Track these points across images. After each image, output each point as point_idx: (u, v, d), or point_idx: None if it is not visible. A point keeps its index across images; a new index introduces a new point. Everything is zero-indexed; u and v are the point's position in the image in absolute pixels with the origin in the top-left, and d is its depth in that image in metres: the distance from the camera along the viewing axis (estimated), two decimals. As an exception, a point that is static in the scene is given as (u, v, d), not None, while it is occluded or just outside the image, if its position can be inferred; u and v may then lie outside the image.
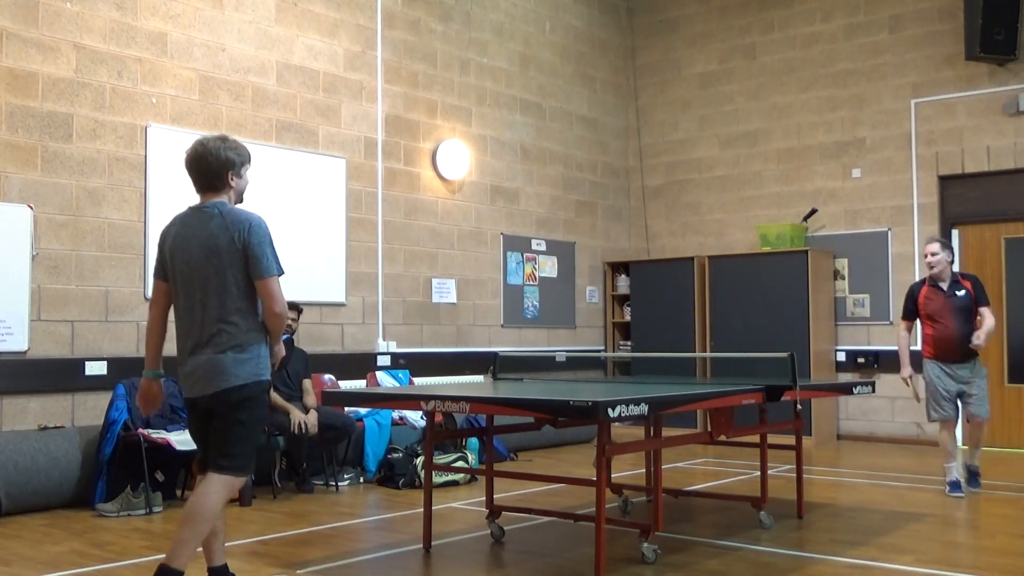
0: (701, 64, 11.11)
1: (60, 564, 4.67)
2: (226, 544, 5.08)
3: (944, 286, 6.63)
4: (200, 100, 7.30)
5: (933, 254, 6.62)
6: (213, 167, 3.87)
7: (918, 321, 6.82)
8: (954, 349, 6.56)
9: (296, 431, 6.61)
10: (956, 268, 6.82)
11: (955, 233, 9.48)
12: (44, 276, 6.42)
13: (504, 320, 9.81)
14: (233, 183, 3.93)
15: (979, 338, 6.41)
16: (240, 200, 4.02)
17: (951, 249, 6.73)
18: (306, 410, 6.80)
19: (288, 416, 6.66)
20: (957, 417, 6.64)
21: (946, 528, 5.64)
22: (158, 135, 7.03)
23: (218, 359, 3.76)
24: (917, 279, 9.44)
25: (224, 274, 3.77)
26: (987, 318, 6.56)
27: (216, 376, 3.76)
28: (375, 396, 5.59)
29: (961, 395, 6.58)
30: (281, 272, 3.83)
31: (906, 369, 6.76)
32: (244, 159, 3.96)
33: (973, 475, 6.74)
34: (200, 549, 3.80)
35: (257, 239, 3.78)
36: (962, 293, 6.57)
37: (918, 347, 6.91)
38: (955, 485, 6.58)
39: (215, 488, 3.70)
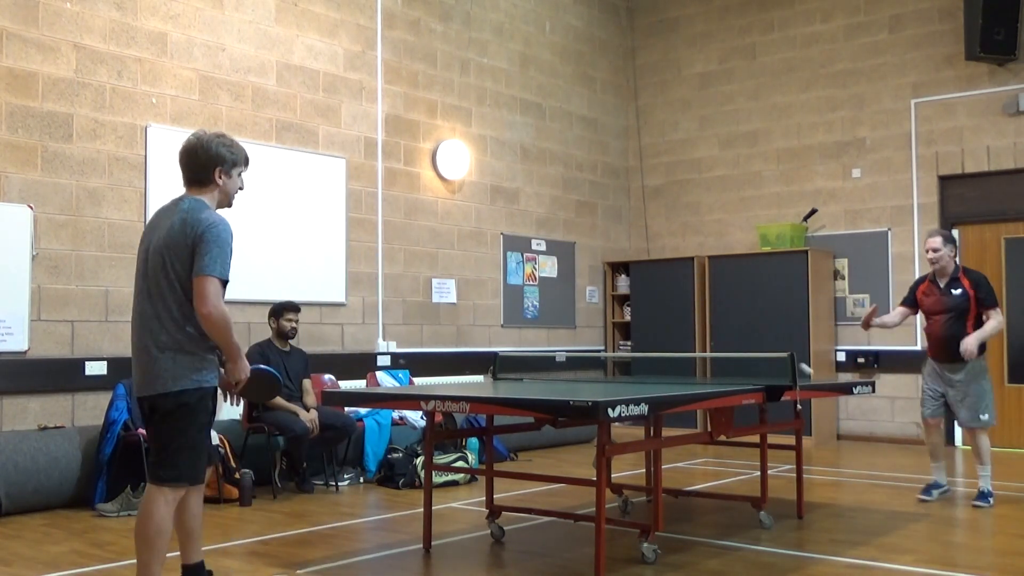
0: (701, 64, 11.11)
1: (60, 564, 4.67)
2: (226, 544, 5.10)
3: (942, 283, 6.34)
4: (200, 100, 7.30)
5: (935, 250, 6.26)
6: (201, 160, 3.72)
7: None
8: (941, 349, 6.33)
9: (311, 428, 6.65)
10: (960, 263, 6.44)
11: (955, 233, 9.46)
12: (44, 276, 6.42)
13: (504, 320, 9.81)
14: (220, 181, 3.75)
15: (965, 344, 6.10)
16: (228, 203, 3.85)
17: (954, 243, 6.37)
18: (307, 410, 6.82)
19: (296, 415, 6.69)
20: (941, 416, 6.48)
21: (946, 528, 5.64)
22: (158, 135, 7.03)
23: (157, 359, 3.59)
24: (917, 278, 9.48)
25: (170, 271, 3.57)
26: (989, 321, 6.19)
27: (154, 378, 3.59)
28: (375, 396, 5.59)
29: (947, 397, 6.38)
30: (221, 276, 3.54)
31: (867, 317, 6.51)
32: (237, 159, 3.80)
33: (979, 493, 6.25)
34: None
35: (208, 237, 3.54)
36: (958, 292, 6.25)
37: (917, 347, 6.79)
38: (927, 487, 6.46)
39: (155, 502, 3.55)
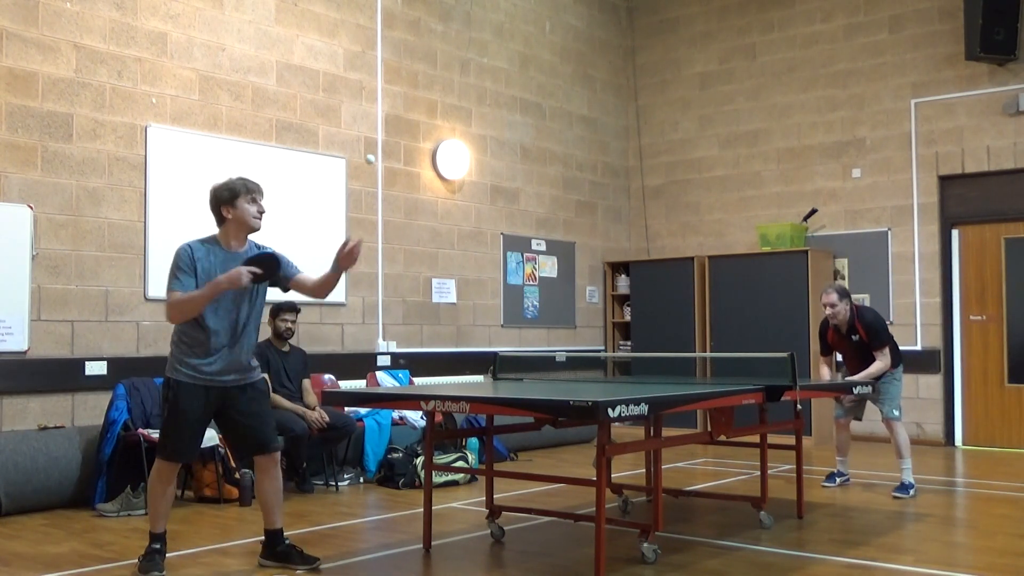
0: (701, 64, 11.11)
1: (60, 564, 4.67)
2: (226, 544, 5.10)
3: (843, 331, 6.81)
4: (200, 100, 7.30)
5: (832, 305, 6.71)
6: (212, 205, 4.51)
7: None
8: (853, 370, 6.89)
9: (316, 427, 6.69)
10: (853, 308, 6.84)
11: (955, 233, 9.49)
12: (44, 276, 6.42)
13: (504, 320, 9.81)
14: (229, 215, 4.47)
15: (850, 379, 6.63)
16: (251, 228, 4.55)
17: (848, 297, 6.80)
18: (311, 408, 6.84)
19: (301, 416, 6.69)
20: (850, 419, 6.99)
21: (946, 528, 5.64)
22: (158, 135, 7.03)
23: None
24: (918, 279, 9.50)
25: None
26: (876, 362, 6.65)
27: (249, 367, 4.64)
28: (375, 396, 5.59)
29: (868, 399, 6.83)
30: (169, 288, 4.36)
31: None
32: (235, 192, 4.46)
33: (900, 484, 6.57)
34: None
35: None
36: (856, 338, 6.74)
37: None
38: (831, 475, 7.07)
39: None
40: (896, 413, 6.73)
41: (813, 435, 9.32)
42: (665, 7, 11.40)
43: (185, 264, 4.37)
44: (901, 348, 6.88)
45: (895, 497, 6.45)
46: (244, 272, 4.28)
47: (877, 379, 6.66)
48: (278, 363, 6.89)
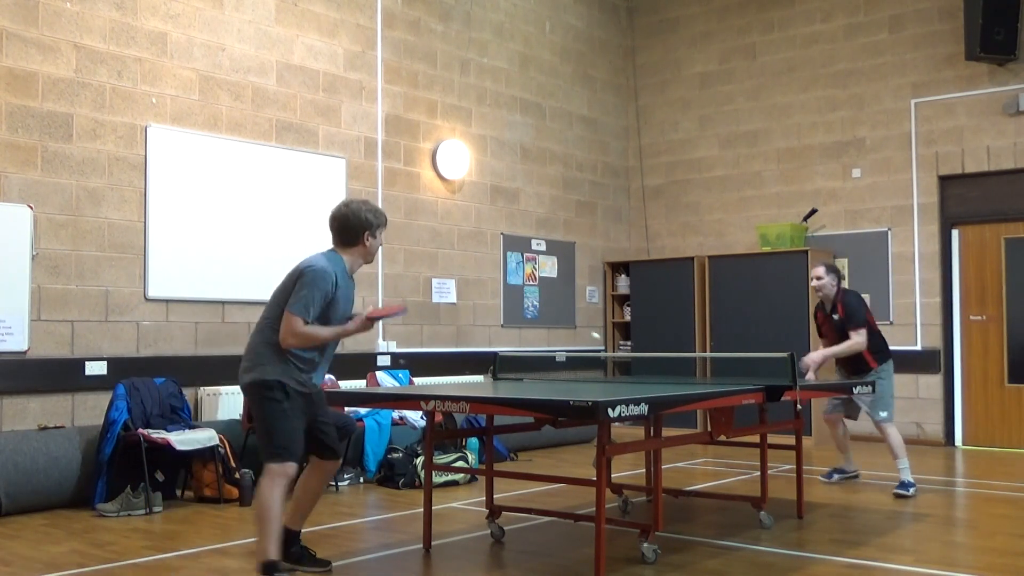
0: (701, 64, 11.11)
1: (60, 564, 4.67)
2: (226, 544, 5.09)
3: (828, 309, 6.86)
4: (200, 100, 7.30)
5: (818, 278, 6.79)
6: (352, 226, 4.38)
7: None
8: (843, 363, 6.92)
9: None
10: (840, 288, 6.88)
11: (955, 233, 9.49)
12: (44, 276, 6.42)
13: (504, 320, 9.81)
14: (368, 243, 4.43)
15: (806, 358, 6.52)
16: (370, 260, 4.54)
17: (837, 273, 6.84)
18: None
19: None
20: (840, 413, 7.00)
21: (946, 528, 5.64)
22: (158, 135, 7.03)
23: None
24: (918, 279, 9.51)
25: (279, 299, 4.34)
26: (850, 339, 6.62)
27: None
28: (375, 396, 5.59)
29: (855, 399, 6.79)
30: (301, 314, 4.14)
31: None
32: (381, 223, 4.45)
33: (900, 483, 6.57)
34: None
35: (303, 279, 4.20)
36: (837, 317, 6.76)
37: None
38: (830, 472, 7.15)
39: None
40: (883, 415, 6.71)
41: (813, 435, 9.32)
42: (665, 7, 11.40)
43: (327, 292, 4.22)
44: (901, 348, 6.93)
45: (896, 495, 6.45)
46: (369, 324, 4.38)
47: (856, 372, 6.69)
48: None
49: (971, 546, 5.22)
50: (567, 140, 10.72)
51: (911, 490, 6.50)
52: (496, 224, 9.78)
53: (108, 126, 6.78)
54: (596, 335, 8.37)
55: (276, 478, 4.13)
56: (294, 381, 4.24)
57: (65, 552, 4.94)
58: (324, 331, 4.23)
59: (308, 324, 4.16)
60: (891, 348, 6.99)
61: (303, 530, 4.63)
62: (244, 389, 4.34)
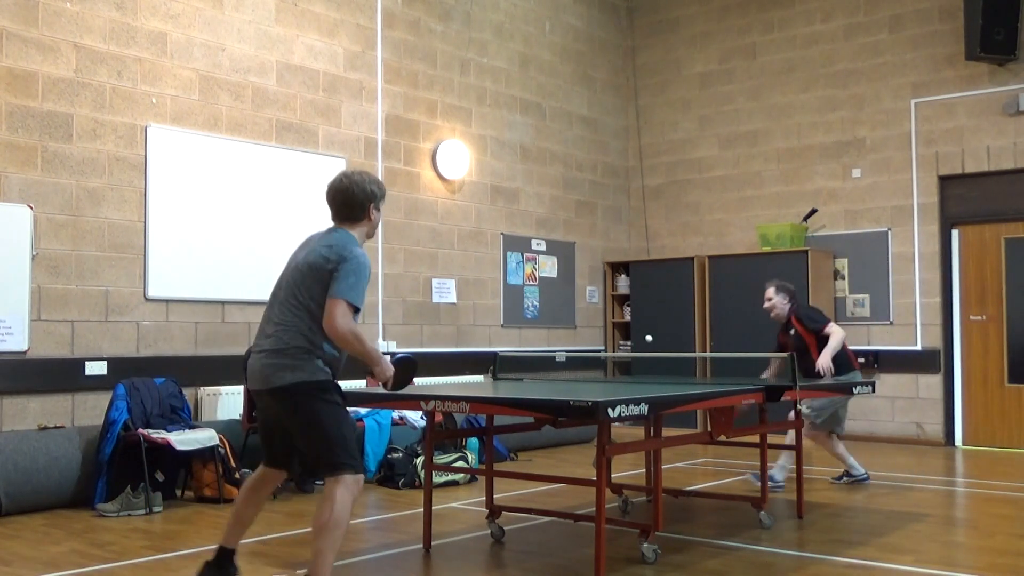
0: (701, 64, 11.11)
1: (60, 564, 4.67)
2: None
3: (783, 325, 6.94)
4: (200, 100, 7.30)
5: (768, 299, 6.88)
6: (358, 199, 4.01)
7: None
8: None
9: None
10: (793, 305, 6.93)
11: (955, 233, 9.48)
12: (44, 276, 6.42)
13: (504, 320, 9.81)
14: (372, 217, 4.06)
15: (818, 364, 6.57)
16: (372, 235, 4.14)
17: (787, 292, 6.89)
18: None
19: None
20: (821, 430, 6.92)
21: (946, 528, 5.64)
22: (158, 135, 7.03)
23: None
24: (918, 279, 9.50)
25: (303, 290, 3.86)
26: (831, 338, 6.65)
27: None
28: (375, 396, 5.58)
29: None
30: (352, 301, 3.74)
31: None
32: (384, 194, 4.12)
33: (771, 476, 6.67)
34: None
35: (349, 266, 3.78)
36: (793, 333, 6.81)
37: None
38: (839, 476, 7.16)
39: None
40: (807, 411, 6.70)
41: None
42: (665, 7, 11.40)
43: (368, 280, 3.85)
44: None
45: (743, 477, 6.71)
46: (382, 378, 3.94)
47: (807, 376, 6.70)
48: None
49: (971, 546, 5.22)
50: (567, 140, 10.72)
51: (776, 487, 6.67)
52: (496, 224, 9.78)
53: (108, 126, 6.78)
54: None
55: (354, 489, 3.77)
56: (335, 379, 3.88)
57: (65, 552, 4.94)
58: (368, 342, 3.82)
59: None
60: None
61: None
62: (283, 392, 3.79)
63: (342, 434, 3.79)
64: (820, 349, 6.69)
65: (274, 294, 3.98)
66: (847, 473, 7.10)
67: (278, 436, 3.99)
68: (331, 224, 4.08)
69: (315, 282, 3.80)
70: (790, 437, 6.60)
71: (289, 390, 3.77)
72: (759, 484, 6.66)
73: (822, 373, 6.56)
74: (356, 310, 3.76)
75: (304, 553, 4.88)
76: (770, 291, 6.90)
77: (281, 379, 3.77)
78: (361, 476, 3.84)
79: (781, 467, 6.88)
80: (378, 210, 4.08)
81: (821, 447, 7.14)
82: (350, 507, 3.77)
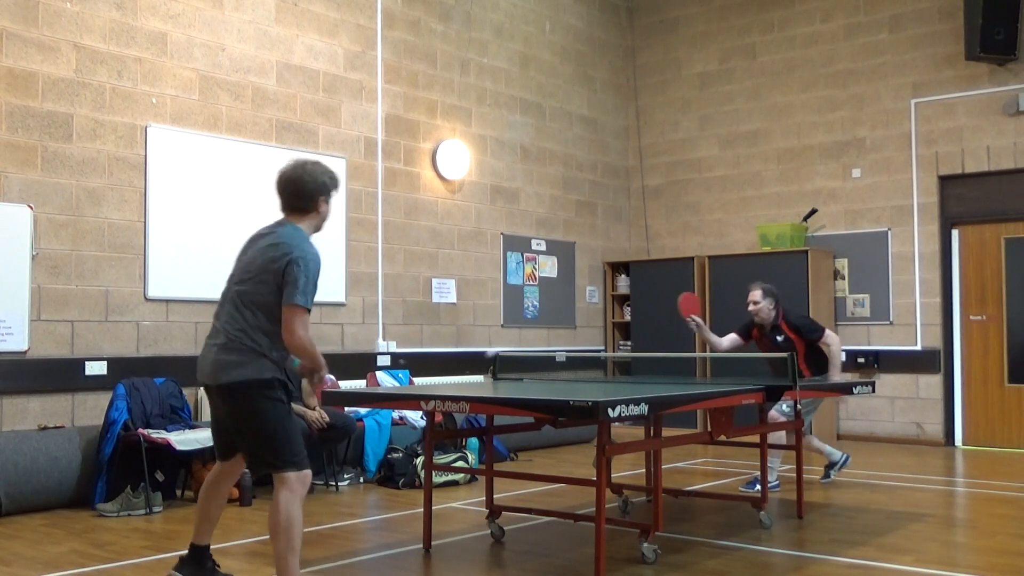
0: (701, 64, 11.11)
1: (60, 564, 4.67)
2: (226, 544, 5.09)
3: (767, 331, 6.83)
4: (200, 100, 7.30)
5: (755, 302, 6.78)
6: (308, 189, 3.96)
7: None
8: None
9: (317, 427, 6.65)
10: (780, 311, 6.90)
11: (955, 233, 9.49)
12: (44, 276, 6.42)
13: (504, 320, 9.81)
14: (323, 208, 4.01)
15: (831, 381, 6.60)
16: (321, 228, 4.10)
17: (774, 297, 6.82)
18: (311, 408, 6.83)
19: (301, 416, 6.69)
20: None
21: (946, 528, 5.64)
22: (158, 135, 7.03)
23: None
24: (918, 279, 9.50)
25: (253, 290, 3.89)
26: (830, 349, 6.70)
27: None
28: (375, 396, 5.59)
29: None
30: (306, 305, 3.77)
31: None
32: (336, 183, 4.05)
33: (754, 480, 6.71)
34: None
35: (298, 267, 3.77)
36: (781, 339, 6.74)
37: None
38: (824, 474, 7.07)
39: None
40: (784, 408, 6.61)
41: (813, 435, 9.30)
42: (665, 7, 11.40)
43: (319, 274, 3.85)
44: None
45: (743, 490, 6.62)
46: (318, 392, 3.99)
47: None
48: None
49: (971, 546, 5.22)
50: (567, 140, 10.72)
51: (773, 487, 6.58)
52: (496, 224, 9.78)
53: (108, 126, 6.78)
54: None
55: (298, 488, 3.80)
56: (283, 376, 3.88)
57: (65, 552, 4.94)
58: (316, 351, 3.85)
59: None
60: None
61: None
62: (230, 389, 3.81)
63: (285, 433, 3.81)
64: (808, 354, 6.72)
65: (225, 291, 3.98)
66: (829, 466, 7.08)
67: (226, 431, 4.00)
68: (280, 216, 4.06)
69: (262, 282, 3.82)
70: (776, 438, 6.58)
71: (234, 387, 3.80)
72: (754, 491, 6.66)
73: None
74: (309, 311, 3.80)
75: (305, 553, 4.88)
76: (756, 294, 6.81)
77: (228, 376, 3.79)
78: (306, 473, 3.84)
79: (830, 450, 6.84)
80: (328, 203, 4.02)
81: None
82: (298, 505, 3.79)
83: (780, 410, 6.63)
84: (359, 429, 7.38)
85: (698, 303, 6.63)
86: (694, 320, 6.79)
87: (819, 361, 6.80)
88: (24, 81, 6.37)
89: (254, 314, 3.82)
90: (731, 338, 7.00)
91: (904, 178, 9.68)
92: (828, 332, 6.79)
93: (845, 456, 7.11)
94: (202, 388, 4.04)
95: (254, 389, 3.79)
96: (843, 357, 6.81)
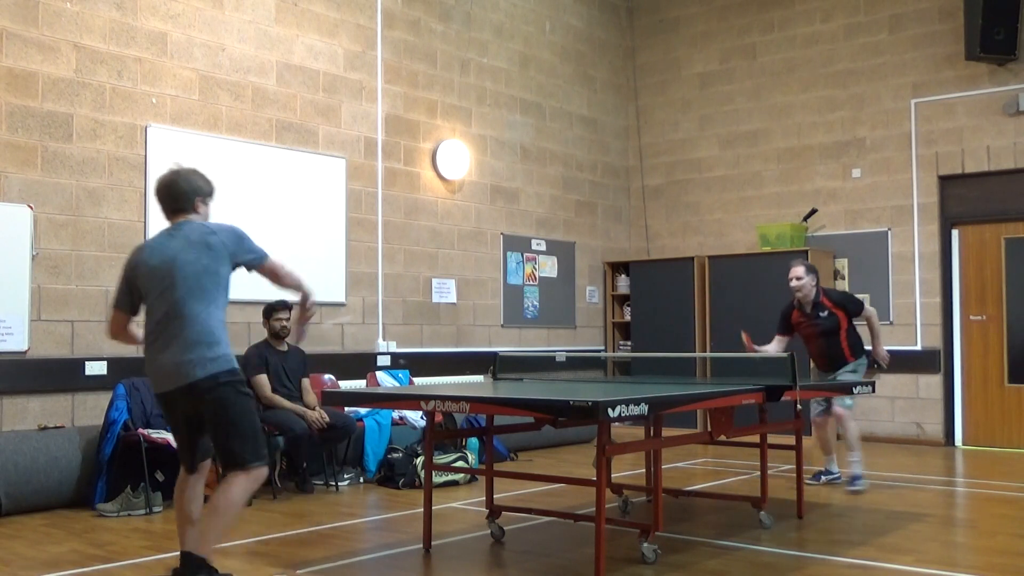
0: (701, 64, 11.11)
1: (60, 564, 4.67)
2: (227, 544, 5.09)
3: (808, 309, 6.81)
4: (200, 100, 7.30)
5: (798, 279, 6.74)
6: (184, 191, 4.07)
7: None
8: (824, 362, 6.94)
9: (317, 427, 6.65)
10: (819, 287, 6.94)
11: (955, 233, 9.48)
12: (44, 276, 6.42)
13: (504, 320, 9.81)
14: (200, 210, 4.12)
15: (881, 356, 6.81)
16: None
17: (815, 274, 6.82)
18: (311, 408, 6.84)
19: (300, 416, 6.69)
20: (828, 416, 6.97)
21: (946, 528, 5.64)
22: (158, 135, 7.03)
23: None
24: (918, 279, 9.50)
25: (213, 276, 4.10)
26: (870, 321, 6.83)
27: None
28: (375, 396, 5.59)
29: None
30: (268, 254, 4.21)
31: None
32: (212, 190, 4.18)
33: (851, 477, 6.72)
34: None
35: (239, 232, 4.13)
36: (825, 315, 6.75)
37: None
38: (816, 474, 7.04)
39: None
40: (848, 401, 6.76)
41: (813, 435, 9.29)
42: (665, 7, 11.40)
43: None
44: (901, 348, 6.98)
45: (850, 491, 6.58)
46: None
47: (832, 366, 6.80)
48: (277, 363, 6.89)
49: (971, 546, 5.22)
50: (567, 140, 10.72)
51: (861, 483, 6.62)
52: (496, 224, 9.78)
53: (108, 126, 6.78)
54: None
55: (256, 482, 3.90)
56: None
57: (65, 552, 4.94)
58: (299, 276, 4.32)
59: None
60: (892, 348, 7.03)
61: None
62: (203, 385, 3.83)
63: (254, 428, 3.93)
64: (849, 331, 6.77)
65: (160, 296, 3.98)
66: (825, 472, 7.07)
67: (196, 432, 4.01)
68: (171, 225, 4.14)
69: (215, 271, 3.97)
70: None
71: (205, 384, 3.83)
72: (828, 481, 6.92)
73: (887, 360, 6.88)
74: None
75: (305, 553, 4.89)
76: (799, 270, 6.75)
77: (203, 370, 3.84)
78: (266, 469, 3.97)
79: (857, 462, 6.76)
80: (206, 206, 4.14)
81: (819, 433, 7.12)
82: (248, 496, 3.95)
83: (843, 403, 6.75)
84: (359, 429, 7.38)
85: (749, 337, 6.75)
86: (756, 348, 6.82)
87: (856, 338, 6.83)
88: (24, 81, 6.37)
89: (211, 308, 3.94)
90: (777, 341, 7.01)
91: (904, 178, 9.68)
92: (866, 309, 6.86)
93: (839, 476, 7.06)
94: (161, 399, 4.03)
95: (226, 383, 3.87)
96: (879, 328, 6.94)
